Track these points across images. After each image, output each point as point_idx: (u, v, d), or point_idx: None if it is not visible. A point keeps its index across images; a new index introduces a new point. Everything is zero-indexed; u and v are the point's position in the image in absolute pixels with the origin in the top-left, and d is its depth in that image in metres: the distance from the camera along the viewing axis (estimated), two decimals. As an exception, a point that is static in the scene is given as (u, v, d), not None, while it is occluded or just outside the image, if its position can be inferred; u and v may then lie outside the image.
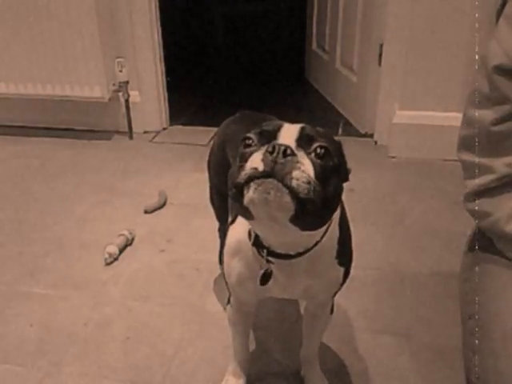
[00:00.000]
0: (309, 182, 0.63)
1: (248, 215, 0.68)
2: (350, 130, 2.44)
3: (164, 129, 2.52)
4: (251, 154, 0.66)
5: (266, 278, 0.81)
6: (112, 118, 2.45)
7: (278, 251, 0.77)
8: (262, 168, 0.63)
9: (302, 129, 0.68)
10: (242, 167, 0.65)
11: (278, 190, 0.62)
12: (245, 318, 1.02)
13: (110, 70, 2.26)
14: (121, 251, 1.57)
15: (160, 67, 2.41)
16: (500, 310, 0.87)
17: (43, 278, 1.47)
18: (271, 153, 0.63)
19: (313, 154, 0.66)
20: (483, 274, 0.96)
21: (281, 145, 0.64)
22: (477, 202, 0.93)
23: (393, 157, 2.17)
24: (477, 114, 0.89)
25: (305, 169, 0.63)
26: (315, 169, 0.64)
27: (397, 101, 2.15)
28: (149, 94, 2.42)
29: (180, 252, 1.58)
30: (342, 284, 0.89)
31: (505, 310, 0.87)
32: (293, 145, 0.65)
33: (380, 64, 2.17)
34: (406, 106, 2.13)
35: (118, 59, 2.27)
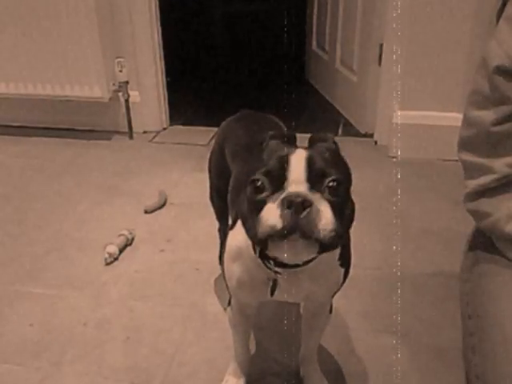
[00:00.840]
0: (333, 227, 0.64)
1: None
2: (350, 130, 2.44)
3: (164, 129, 2.51)
4: (264, 202, 0.65)
5: (273, 287, 0.81)
6: (112, 118, 2.45)
7: (289, 263, 0.75)
8: (281, 225, 0.63)
9: (309, 162, 0.66)
10: (257, 218, 0.65)
11: (306, 245, 0.64)
12: (245, 319, 1.02)
13: (110, 70, 2.26)
14: (121, 251, 1.57)
15: (160, 67, 2.41)
16: (500, 310, 0.87)
17: (43, 278, 1.47)
18: (289, 207, 0.63)
19: (326, 192, 0.66)
20: (483, 274, 0.96)
21: (296, 197, 0.63)
22: (477, 202, 0.93)
23: (393, 157, 2.17)
24: (477, 114, 0.89)
25: (326, 215, 0.64)
26: (333, 208, 0.65)
27: (397, 101, 2.14)
28: (149, 94, 2.42)
29: (180, 252, 1.58)
30: (342, 284, 0.90)
31: (505, 310, 0.87)
32: (305, 188, 0.65)
33: (380, 64, 2.17)
34: (406, 105, 2.13)
35: (118, 59, 2.27)
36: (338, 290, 0.91)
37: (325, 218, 0.63)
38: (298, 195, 0.63)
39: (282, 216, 0.63)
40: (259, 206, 0.65)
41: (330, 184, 0.66)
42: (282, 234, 0.63)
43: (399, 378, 1.13)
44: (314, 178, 0.66)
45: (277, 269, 0.76)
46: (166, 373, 1.15)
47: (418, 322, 1.28)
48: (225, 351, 1.16)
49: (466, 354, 0.94)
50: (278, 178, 0.66)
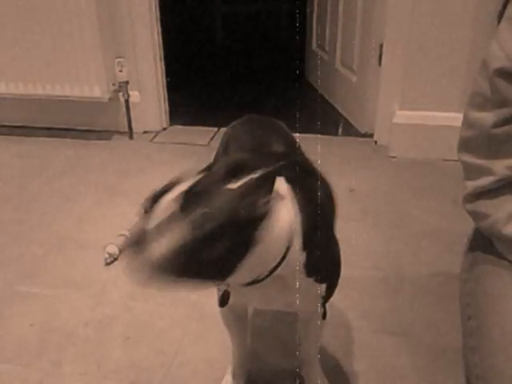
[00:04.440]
0: (170, 250, 0.63)
1: None
2: (350, 130, 2.44)
3: (164, 129, 2.51)
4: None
5: (223, 299, 0.80)
6: (112, 118, 2.44)
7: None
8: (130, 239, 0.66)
9: (188, 190, 0.67)
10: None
11: (141, 262, 0.65)
12: (238, 320, 1.02)
13: (110, 70, 2.26)
14: (121, 251, 1.57)
15: (160, 67, 2.40)
16: (500, 311, 0.87)
17: (43, 278, 1.47)
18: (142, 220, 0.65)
19: (188, 220, 0.64)
20: (483, 274, 0.96)
21: (155, 209, 0.67)
22: (476, 203, 0.93)
23: (393, 157, 2.17)
24: (477, 116, 0.89)
25: (169, 236, 0.63)
26: (187, 235, 0.64)
27: (397, 101, 2.14)
28: (149, 94, 2.42)
29: (180, 252, 1.58)
30: (327, 296, 0.88)
31: (504, 310, 0.87)
32: (170, 209, 0.65)
33: (380, 64, 2.17)
34: (406, 105, 2.13)
35: (118, 59, 2.27)
36: (326, 300, 0.90)
37: (167, 237, 0.64)
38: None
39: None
40: None
41: (197, 214, 0.64)
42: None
43: (399, 378, 1.13)
44: (186, 204, 0.65)
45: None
46: (166, 373, 1.15)
47: (418, 322, 1.28)
48: (225, 351, 1.16)
49: (466, 354, 0.94)
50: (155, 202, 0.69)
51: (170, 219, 0.63)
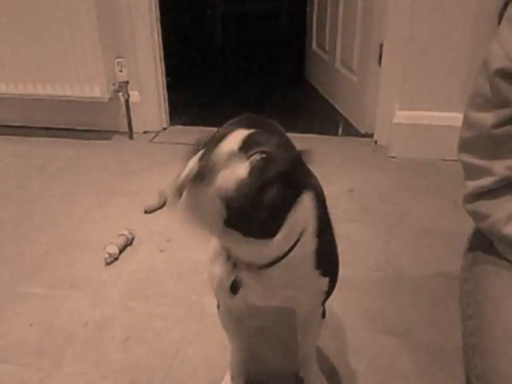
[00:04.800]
0: (237, 182, 0.61)
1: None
2: (350, 130, 2.44)
3: (164, 129, 2.52)
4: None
5: (234, 286, 0.80)
6: (112, 118, 2.45)
7: (244, 259, 0.76)
8: (195, 170, 0.61)
9: (251, 134, 0.66)
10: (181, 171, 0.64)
11: (207, 195, 0.60)
12: (236, 322, 1.02)
13: (110, 70, 2.26)
14: (121, 251, 1.57)
15: (160, 67, 2.41)
16: (500, 311, 0.87)
17: (43, 278, 1.47)
18: (207, 153, 0.62)
19: (252, 159, 0.63)
20: (483, 274, 0.96)
21: (218, 145, 0.63)
22: (476, 203, 0.93)
23: (393, 157, 2.17)
24: (478, 116, 0.89)
25: (235, 168, 0.61)
26: (251, 171, 0.62)
27: (397, 101, 2.15)
28: (149, 94, 2.42)
29: (180, 252, 1.58)
30: (328, 293, 0.89)
31: (504, 310, 0.87)
32: (235, 147, 0.63)
33: (380, 64, 2.17)
34: (406, 105, 2.13)
35: (118, 59, 2.27)
36: (326, 299, 0.90)
37: (233, 168, 0.61)
38: (219, 146, 0.63)
39: (197, 161, 0.62)
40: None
41: (259, 155, 0.63)
42: (190, 179, 0.61)
43: (399, 378, 1.13)
44: (248, 145, 0.64)
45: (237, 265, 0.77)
46: (166, 373, 1.15)
47: (418, 322, 1.28)
48: (225, 351, 1.16)
49: (466, 354, 0.94)
50: (218, 141, 0.65)
51: (232, 159, 0.62)
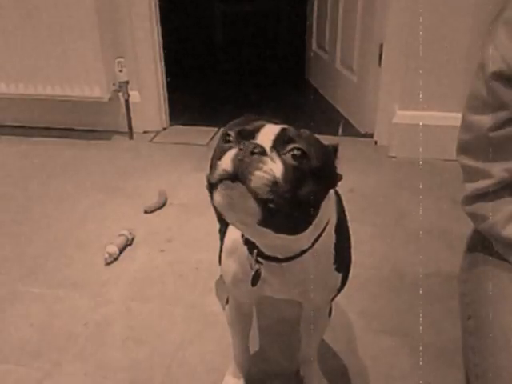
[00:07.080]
0: (271, 183, 0.61)
1: (220, 216, 0.67)
2: (350, 130, 2.44)
3: (164, 129, 2.51)
4: (226, 151, 0.64)
5: (255, 278, 0.80)
6: (112, 118, 2.44)
7: (267, 253, 0.76)
8: (230, 169, 0.61)
9: (283, 130, 0.66)
10: (215, 165, 0.64)
11: (241, 195, 0.60)
12: (243, 318, 1.02)
13: (110, 70, 2.26)
14: (121, 251, 1.57)
15: (160, 67, 2.41)
16: (499, 311, 0.87)
17: (43, 278, 1.47)
18: (242, 151, 0.61)
19: (287, 155, 0.64)
20: (482, 275, 0.96)
21: (251, 143, 0.62)
22: (475, 205, 0.93)
23: (393, 157, 2.17)
24: (475, 119, 0.89)
25: (270, 168, 0.61)
26: (286, 170, 0.62)
27: (397, 101, 2.15)
28: (149, 94, 2.42)
29: (180, 252, 1.58)
30: (340, 289, 0.89)
31: (504, 310, 0.87)
32: (268, 145, 0.64)
33: (380, 64, 2.17)
34: (405, 105, 2.13)
35: (118, 59, 2.27)
36: (336, 295, 0.91)
37: (266, 170, 0.61)
38: (252, 143, 0.63)
39: (232, 160, 0.61)
40: (221, 156, 0.64)
41: (294, 152, 0.64)
42: (226, 177, 0.61)
43: (399, 378, 1.13)
44: (281, 141, 0.65)
45: (259, 259, 0.77)
46: (166, 373, 1.15)
47: (418, 321, 1.28)
48: (225, 351, 1.16)
49: (465, 354, 0.94)
50: (248, 135, 0.66)
51: (266, 157, 0.62)
